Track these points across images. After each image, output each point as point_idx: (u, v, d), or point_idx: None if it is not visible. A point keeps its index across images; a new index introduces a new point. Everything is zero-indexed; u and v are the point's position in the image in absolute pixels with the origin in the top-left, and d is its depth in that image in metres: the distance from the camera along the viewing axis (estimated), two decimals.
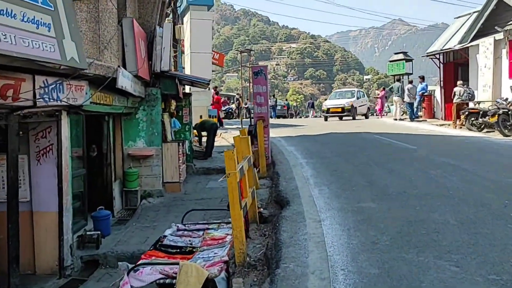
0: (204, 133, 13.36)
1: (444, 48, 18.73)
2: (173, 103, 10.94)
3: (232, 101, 38.92)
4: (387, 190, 6.09)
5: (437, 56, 19.28)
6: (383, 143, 11.27)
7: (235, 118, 32.98)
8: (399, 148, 10.10)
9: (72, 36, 4.76)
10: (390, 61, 39.16)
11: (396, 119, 19.20)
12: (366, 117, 24.12)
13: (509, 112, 12.32)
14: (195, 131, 13.42)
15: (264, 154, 7.90)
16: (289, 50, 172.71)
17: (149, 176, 9.22)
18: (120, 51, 7.59)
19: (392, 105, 37.38)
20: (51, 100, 5.08)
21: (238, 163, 4.56)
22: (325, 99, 25.46)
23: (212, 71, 47.71)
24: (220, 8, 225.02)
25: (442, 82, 19.07)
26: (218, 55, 44.99)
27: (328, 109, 22.28)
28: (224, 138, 16.19)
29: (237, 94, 44.64)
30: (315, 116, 43.20)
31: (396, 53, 40.32)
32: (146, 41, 9.16)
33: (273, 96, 38.21)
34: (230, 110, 31.85)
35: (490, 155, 8.98)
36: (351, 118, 21.81)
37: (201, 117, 16.87)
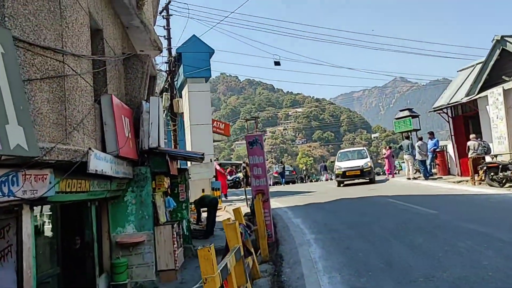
0: (204, 210, 12.44)
1: (451, 102, 18.09)
2: (166, 181, 10.16)
3: (239, 170, 38.21)
4: (411, 274, 5.03)
5: (445, 110, 18.63)
6: (399, 208, 10.22)
7: (243, 187, 32.08)
8: (418, 214, 9.03)
9: (19, 121, 4.06)
10: (396, 119, 38.76)
11: (409, 178, 18.14)
12: (371, 180, 19.81)
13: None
14: (193, 206, 12.53)
15: (265, 234, 6.92)
16: (295, 114, 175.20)
17: (140, 265, 8.19)
18: (99, 131, 6.93)
19: (403, 162, 36.32)
20: (1, 196, 4.30)
21: (225, 258, 3.67)
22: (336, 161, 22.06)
23: (218, 140, 47.68)
24: (225, 80, 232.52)
25: (453, 137, 18.23)
26: (224, 124, 44.98)
27: (344, 172, 18.95)
28: (228, 211, 15.21)
29: (244, 162, 44.01)
30: (330, 179, 41.90)
31: (401, 110, 40.00)
32: (132, 118, 8.57)
33: (281, 162, 37.49)
34: (237, 179, 31.00)
35: None
36: (368, 181, 19.09)
37: (203, 191, 16.03)
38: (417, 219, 8.47)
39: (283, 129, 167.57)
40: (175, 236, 8.95)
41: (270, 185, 34.01)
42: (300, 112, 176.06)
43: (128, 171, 8.15)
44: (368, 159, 20.49)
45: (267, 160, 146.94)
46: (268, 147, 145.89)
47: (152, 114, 8.83)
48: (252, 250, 5.95)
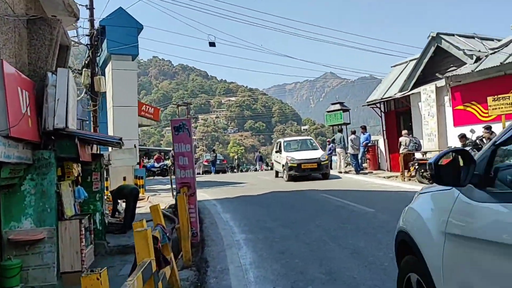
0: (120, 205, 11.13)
1: (384, 97, 18.10)
2: (76, 168, 8.77)
3: (168, 157, 36.58)
4: None
5: (378, 105, 18.62)
6: (335, 205, 9.64)
7: (170, 175, 30.63)
8: (355, 213, 8.47)
9: None
10: (328, 112, 39.15)
11: (340, 172, 17.94)
12: (325, 176, 17.19)
13: None
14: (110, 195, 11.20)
15: (189, 234, 5.91)
16: (228, 103, 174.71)
17: (38, 267, 6.83)
18: None
19: (335, 155, 36.68)
20: None
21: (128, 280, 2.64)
22: (275, 151, 19.68)
23: (147, 125, 45.52)
24: (158, 64, 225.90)
25: (385, 132, 18.28)
26: (153, 109, 42.99)
27: (299, 165, 15.88)
28: (152, 202, 13.95)
29: (173, 149, 42.44)
30: (266, 170, 41.48)
31: (333, 104, 40.43)
32: (33, 92, 7.12)
33: (213, 151, 36.43)
34: (165, 167, 29.48)
35: None
36: (321, 176, 16.46)
37: (124, 179, 14.60)
38: (356, 219, 7.88)
39: (216, 117, 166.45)
40: (84, 232, 7.67)
41: (199, 173, 32.92)
42: (233, 101, 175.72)
43: (26, 155, 6.74)
44: (321, 151, 18.06)
45: (198, 147, 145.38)
46: (199, 134, 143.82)
47: (60, 89, 7.42)
48: (172, 255, 4.93)
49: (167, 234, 5.16)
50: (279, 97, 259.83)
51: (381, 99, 18.20)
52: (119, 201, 11.37)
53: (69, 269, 7.33)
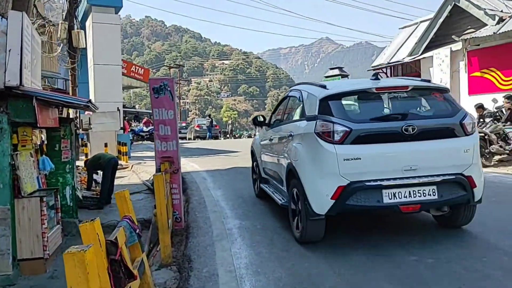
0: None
1: (391, 62, 16.65)
2: (37, 135, 7.41)
3: None
4: None
5: (384, 70, 17.19)
6: None
7: None
8: None
9: None
10: (326, 77, 37.52)
11: None
12: None
13: (486, 137, 9.93)
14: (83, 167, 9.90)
15: (167, 226, 4.64)
16: (222, 66, 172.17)
17: None
18: None
19: None
20: None
21: None
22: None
23: (136, 87, 43.76)
24: (150, 24, 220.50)
25: None
26: (143, 70, 41.18)
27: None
28: (136, 172, 12.66)
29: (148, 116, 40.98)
30: None
31: (331, 68, 38.74)
32: None
33: (209, 116, 34.85)
34: (154, 132, 28.05)
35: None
36: None
37: (106, 145, 13.23)
38: None
39: (209, 81, 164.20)
40: (46, 212, 6.37)
41: (190, 139, 31.56)
42: (227, 64, 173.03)
43: None
44: None
45: (191, 111, 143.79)
46: (192, 98, 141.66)
47: (12, 37, 5.94)
48: (144, 256, 3.66)
49: (137, 231, 3.87)
50: (274, 61, 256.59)
51: (388, 63, 16.78)
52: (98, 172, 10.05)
53: (28, 255, 6.10)
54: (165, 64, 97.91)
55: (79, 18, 16.04)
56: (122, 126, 14.73)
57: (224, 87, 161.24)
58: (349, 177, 4.15)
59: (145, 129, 27.89)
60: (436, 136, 4.32)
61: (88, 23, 15.16)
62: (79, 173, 10.46)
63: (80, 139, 14.11)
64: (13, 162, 6.00)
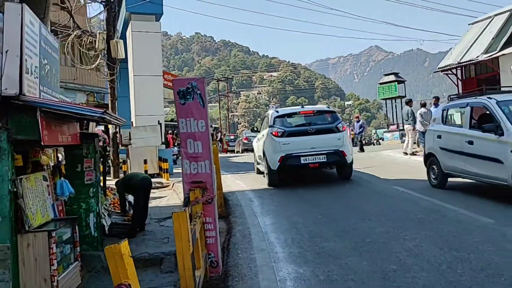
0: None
1: (462, 61, 14.59)
2: (48, 155, 6.32)
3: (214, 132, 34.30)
4: None
5: (453, 71, 15.13)
6: (428, 208, 6.62)
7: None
8: (465, 227, 5.45)
9: None
10: (381, 84, 35.24)
11: (406, 154, 14.68)
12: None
13: None
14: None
15: (194, 280, 3.22)
16: (270, 78, 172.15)
17: None
18: None
19: (386, 132, 33.17)
20: None
21: None
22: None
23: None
24: (200, 40, 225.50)
25: None
26: None
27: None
28: (177, 191, 11.47)
29: (210, 126, 40.23)
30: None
31: (386, 74, 36.47)
32: None
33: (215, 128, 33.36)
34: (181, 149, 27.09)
35: None
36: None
37: (145, 162, 12.18)
38: (471, 237, 4.93)
39: (257, 93, 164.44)
40: (55, 250, 5.17)
41: (238, 152, 30.40)
42: (275, 76, 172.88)
43: None
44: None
45: (240, 124, 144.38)
46: (241, 110, 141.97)
47: (9, 35, 4.84)
48: None
49: None
50: (322, 71, 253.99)
51: (458, 63, 14.72)
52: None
53: None
54: (213, 78, 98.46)
55: (120, 28, 15.30)
56: (164, 140, 13.67)
57: (272, 99, 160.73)
58: (285, 152, 9.11)
59: None
60: (324, 132, 9.34)
61: (128, 32, 14.34)
62: (114, 194, 9.30)
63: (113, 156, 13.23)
64: (15, 189, 4.82)
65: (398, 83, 33.05)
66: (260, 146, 10.61)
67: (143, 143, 13.09)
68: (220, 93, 68.77)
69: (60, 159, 6.58)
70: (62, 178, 6.20)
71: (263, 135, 10.33)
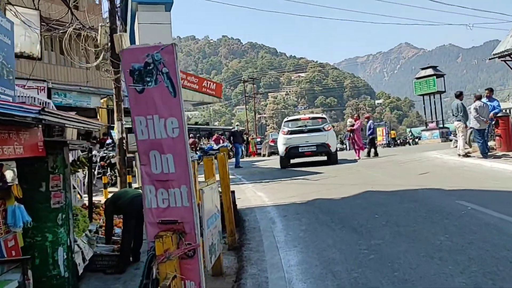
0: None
1: None
2: (7, 169, 4.73)
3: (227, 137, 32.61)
4: None
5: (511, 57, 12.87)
6: (508, 234, 4.71)
7: (232, 159, 26.54)
8: None
9: None
10: (417, 78, 32.60)
11: (460, 155, 12.47)
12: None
13: None
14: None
15: None
16: (298, 79, 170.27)
17: None
18: None
19: (424, 131, 30.87)
20: None
21: None
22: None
23: (209, 103, 41.89)
24: (227, 43, 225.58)
25: None
26: (215, 85, 39.24)
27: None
28: None
29: (234, 127, 38.55)
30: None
31: (423, 68, 33.76)
32: None
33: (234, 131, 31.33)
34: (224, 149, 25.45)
35: None
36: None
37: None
38: None
39: (285, 94, 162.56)
40: None
41: (265, 155, 28.58)
42: (303, 77, 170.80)
43: None
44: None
45: (268, 126, 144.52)
46: (269, 112, 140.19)
47: None
48: None
49: None
50: (351, 70, 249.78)
51: None
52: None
53: None
54: (238, 79, 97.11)
55: (128, 22, 13.81)
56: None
57: (301, 99, 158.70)
58: (288, 144, 14.34)
59: (215, 146, 25.40)
60: (315, 131, 14.41)
61: (136, 25, 12.79)
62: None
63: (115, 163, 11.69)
64: None
65: (436, 77, 30.48)
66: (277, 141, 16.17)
67: None
68: (247, 95, 67.31)
69: (7, 178, 4.92)
70: (15, 202, 4.57)
71: (281, 133, 15.43)
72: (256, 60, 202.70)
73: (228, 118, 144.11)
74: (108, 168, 12.86)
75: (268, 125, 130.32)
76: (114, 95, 12.18)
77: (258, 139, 39.19)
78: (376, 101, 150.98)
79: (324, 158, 15.05)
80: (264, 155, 27.39)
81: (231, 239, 5.55)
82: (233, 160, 18.94)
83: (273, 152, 27.71)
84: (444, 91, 29.91)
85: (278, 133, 21.75)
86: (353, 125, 17.35)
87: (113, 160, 12.49)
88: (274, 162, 20.06)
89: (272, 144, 27.76)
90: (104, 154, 12.92)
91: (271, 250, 5.11)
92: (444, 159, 12.73)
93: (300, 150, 14.15)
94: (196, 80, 35.52)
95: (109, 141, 14.30)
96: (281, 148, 14.50)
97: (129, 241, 5.99)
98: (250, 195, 9.40)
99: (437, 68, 31.50)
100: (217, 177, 5.31)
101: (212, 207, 4.06)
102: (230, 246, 5.51)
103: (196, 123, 43.66)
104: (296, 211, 7.19)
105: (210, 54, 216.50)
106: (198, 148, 24.52)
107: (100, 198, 9.40)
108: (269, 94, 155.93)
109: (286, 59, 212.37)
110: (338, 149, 18.75)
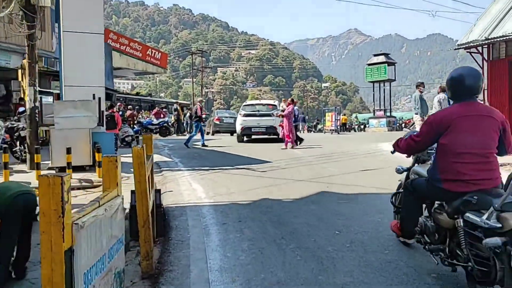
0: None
1: (490, 37, 11.50)
2: None
3: (171, 111, 30.61)
4: None
5: (478, 49, 12.06)
6: None
7: (173, 135, 24.68)
8: None
9: None
10: (369, 64, 31.99)
11: None
12: None
13: None
14: None
15: None
16: (248, 56, 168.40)
17: None
18: None
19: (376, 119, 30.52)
20: None
21: None
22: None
23: (153, 73, 39.12)
24: (178, 12, 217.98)
25: (488, 89, 11.79)
26: (160, 54, 36.60)
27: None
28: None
29: (177, 103, 36.45)
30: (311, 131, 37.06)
31: (375, 55, 33.15)
32: None
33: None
34: (165, 124, 23.53)
35: None
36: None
37: (68, 151, 8.65)
38: None
39: (235, 70, 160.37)
40: None
41: (209, 133, 26.91)
42: (253, 54, 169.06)
43: None
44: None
45: (215, 101, 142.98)
46: (217, 87, 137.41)
47: None
48: None
49: None
50: (301, 52, 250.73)
51: (485, 40, 11.63)
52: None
53: None
54: (186, 51, 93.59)
55: None
56: (99, 121, 10.08)
57: (250, 77, 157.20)
58: (244, 125, 17.50)
59: (155, 121, 23.42)
60: (265, 116, 17.37)
61: None
62: None
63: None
64: None
65: (388, 65, 30.02)
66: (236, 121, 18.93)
67: (72, 124, 9.59)
68: (195, 68, 64.82)
69: None
70: None
71: (239, 114, 18.44)
72: (207, 33, 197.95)
73: (175, 90, 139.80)
74: (18, 143, 10.75)
75: (215, 100, 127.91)
76: (26, 55, 10.03)
77: (204, 115, 37.43)
78: (323, 84, 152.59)
79: (273, 137, 17.68)
80: (208, 133, 25.67)
81: (146, 264, 4.01)
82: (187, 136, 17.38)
83: (218, 130, 26.12)
84: (394, 80, 29.56)
85: (225, 110, 32.48)
86: (283, 110, 15.43)
87: (22, 133, 10.40)
88: (217, 141, 18.51)
89: (217, 122, 26.10)
90: (12, 125, 10.76)
91: (200, 283, 3.65)
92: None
93: (252, 130, 17.36)
94: (140, 48, 32.80)
95: (22, 109, 12.05)
96: (238, 128, 17.73)
97: (9, 252, 4.26)
98: (184, 187, 7.85)
99: (389, 55, 30.96)
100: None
101: (105, 242, 2.50)
102: (144, 274, 3.99)
103: (137, 94, 40.92)
104: (239, 216, 5.76)
105: (159, 22, 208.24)
106: (136, 122, 22.46)
107: None
108: (218, 68, 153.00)
109: (237, 35, 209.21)
110: None
